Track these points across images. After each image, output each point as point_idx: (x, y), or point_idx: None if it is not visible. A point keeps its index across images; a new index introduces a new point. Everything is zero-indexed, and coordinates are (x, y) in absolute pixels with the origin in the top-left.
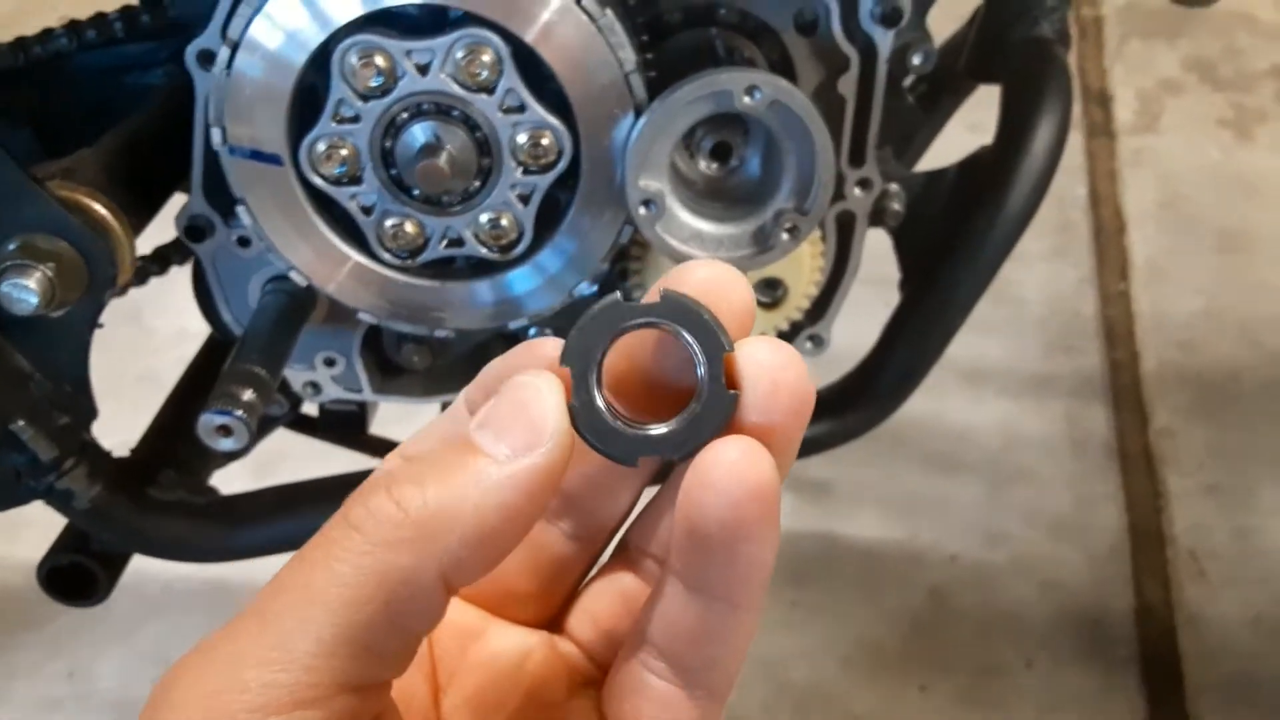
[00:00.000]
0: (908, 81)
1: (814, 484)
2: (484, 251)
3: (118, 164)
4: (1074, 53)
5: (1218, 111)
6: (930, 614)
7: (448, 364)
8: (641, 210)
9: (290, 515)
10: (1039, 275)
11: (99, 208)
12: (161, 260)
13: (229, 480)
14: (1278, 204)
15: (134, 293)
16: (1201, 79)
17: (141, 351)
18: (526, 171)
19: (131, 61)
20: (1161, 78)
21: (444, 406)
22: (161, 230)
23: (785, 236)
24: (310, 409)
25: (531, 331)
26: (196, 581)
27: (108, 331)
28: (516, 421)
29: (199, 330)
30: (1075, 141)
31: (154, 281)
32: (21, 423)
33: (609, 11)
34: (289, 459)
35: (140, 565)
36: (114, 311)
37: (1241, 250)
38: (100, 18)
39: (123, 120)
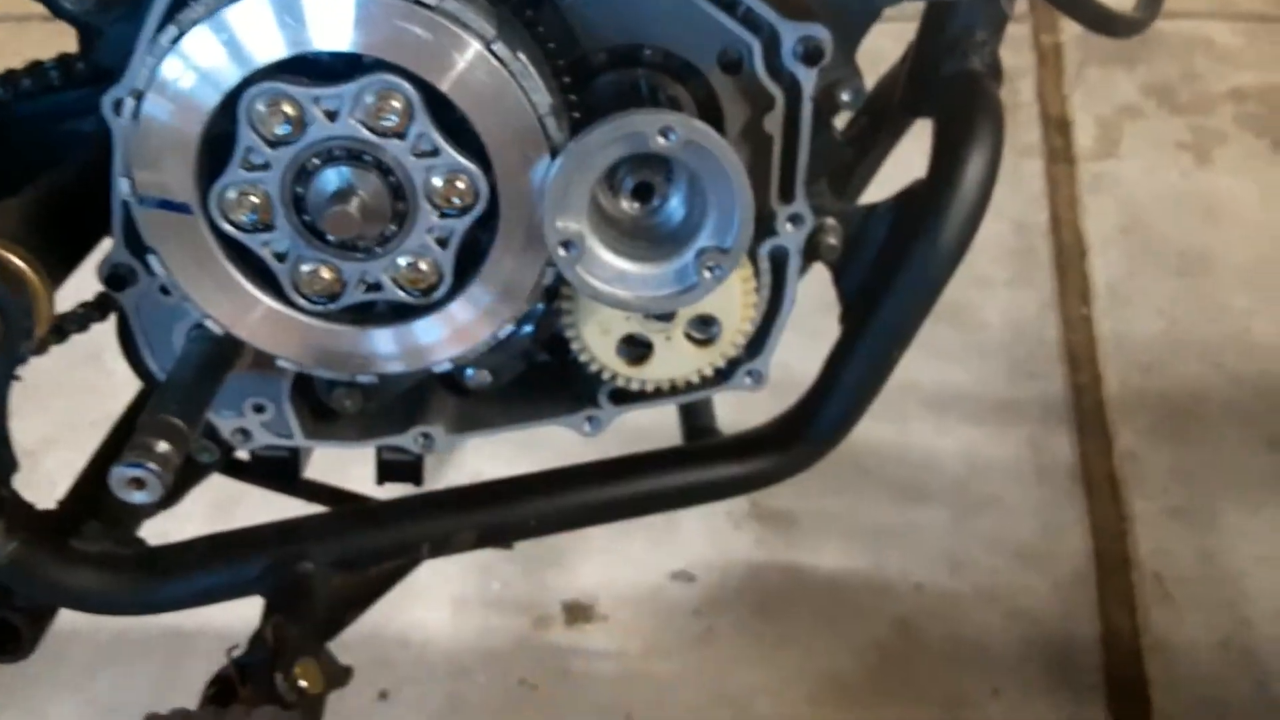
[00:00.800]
0: (840, 118)
1: (778, 515)
2: (403, 295)
3: (40, 215)
4: (1033, 79)
5: (1177, 135)
6: (897, 645)
7: (381, 406)
8: (561, 251)
9: (220, 565)
10: (1001, 301)
11: (15, 260)
12: (102, 309)
13: (184, 525)
14: (1237, 226)
15: (93, 335)
16: (1160, 103)
17: (100, 394)
18: (443, 215)
19: (67, 109)
20: (1121, 103)
21: (379, 451)
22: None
23: (708, 275)
24: (243, 454)
25: (468, 373)
26: (153, 629)
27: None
28: None
29: None
30: (1035, 168)
31: (112, 324)
32: None
33: (521, 55)
34: (245, 503)
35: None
36: (73, 353)
37: (1202, 273)
38: (36, 65)
39: (49, 170)
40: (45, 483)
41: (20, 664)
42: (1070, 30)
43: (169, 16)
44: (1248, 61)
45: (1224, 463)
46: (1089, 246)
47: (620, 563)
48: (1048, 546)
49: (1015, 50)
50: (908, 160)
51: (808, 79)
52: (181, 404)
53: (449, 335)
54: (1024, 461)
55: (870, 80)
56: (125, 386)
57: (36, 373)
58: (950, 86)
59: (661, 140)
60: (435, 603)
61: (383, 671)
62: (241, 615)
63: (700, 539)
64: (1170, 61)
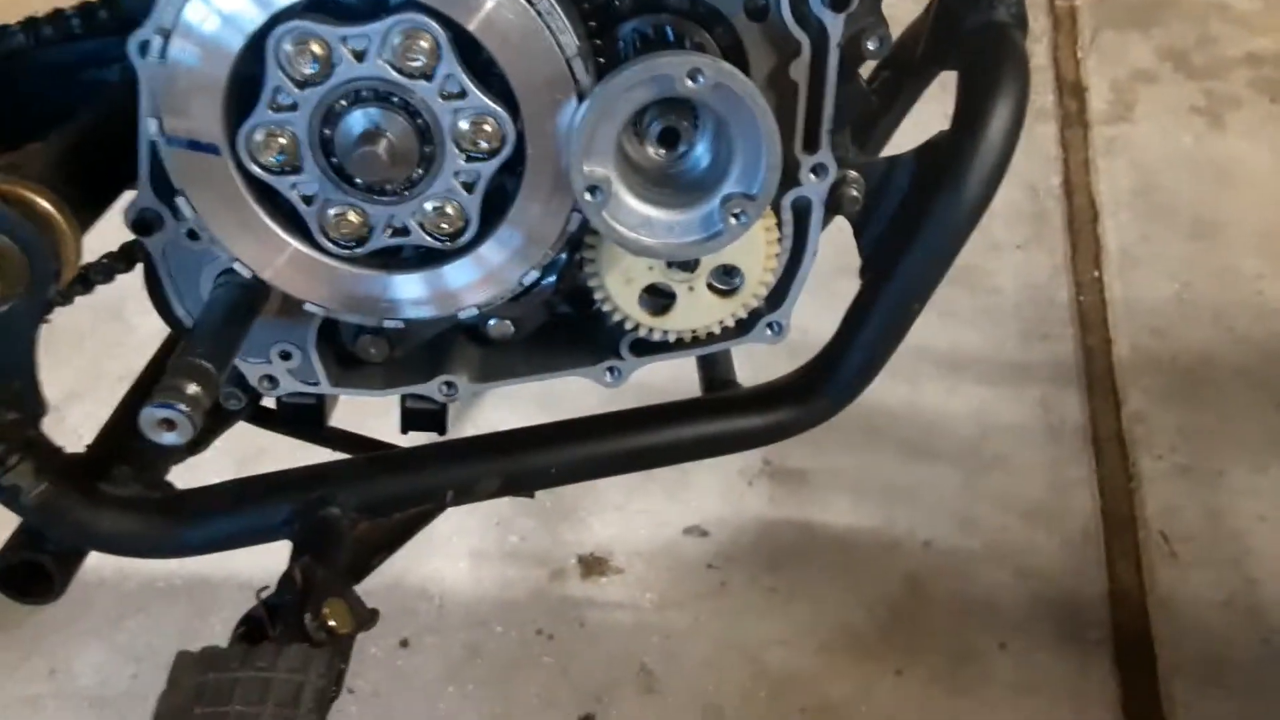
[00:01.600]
0: (865, 67)
1: (791, 472)
2: (430, 240)
3: (66, 159)
4: (1048, 44)
5: (1191, 100)
6: (906, 600)
7: (406, 355)
8: (587, 196)
9: (248, 509)
10: (1014, 263)
11: (43, 202)
12: (128, 259)
13: (210, 477)
14: (1249, 190)
15: (115, 289)
16: (1175, 68)
17: (124, 349)
18: (470, 158)
19: (90, 58)
20: (1135, 67)
21: (403, 400)
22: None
23: (733, 221)
24: (269, 402)
25: (490, 323)
26: (178, 577)
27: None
28: None
29: None
30: (1050, 131)
31: (135, 278)
32: None
33: None
34: (270, 454)
35: (120, 562)
36: (95, 308)
37: (1213, 236)
38: (58, 13)
39: (74, 115)
40: (71, 435)
41: (47, 611)
42: None
43: None
44: (1264, 26)
45: (1232, 424)
46: (1101, 210)
47: (635, 518)
48: (1056, 505)
49: (1030, 14)
50: (926, 121)
51: (834, 25)
52: (210, 348)
53: (474, 280)
54: (1034, 422)
55: (894, 32)
56: (148, 341)
57: (60, 328)
58: (975, 38)
59: (689, 83)
60: (455, 555)
61: (404, 621)
62: (264, 565)
63: (714, 495)
64: (1186, 26)
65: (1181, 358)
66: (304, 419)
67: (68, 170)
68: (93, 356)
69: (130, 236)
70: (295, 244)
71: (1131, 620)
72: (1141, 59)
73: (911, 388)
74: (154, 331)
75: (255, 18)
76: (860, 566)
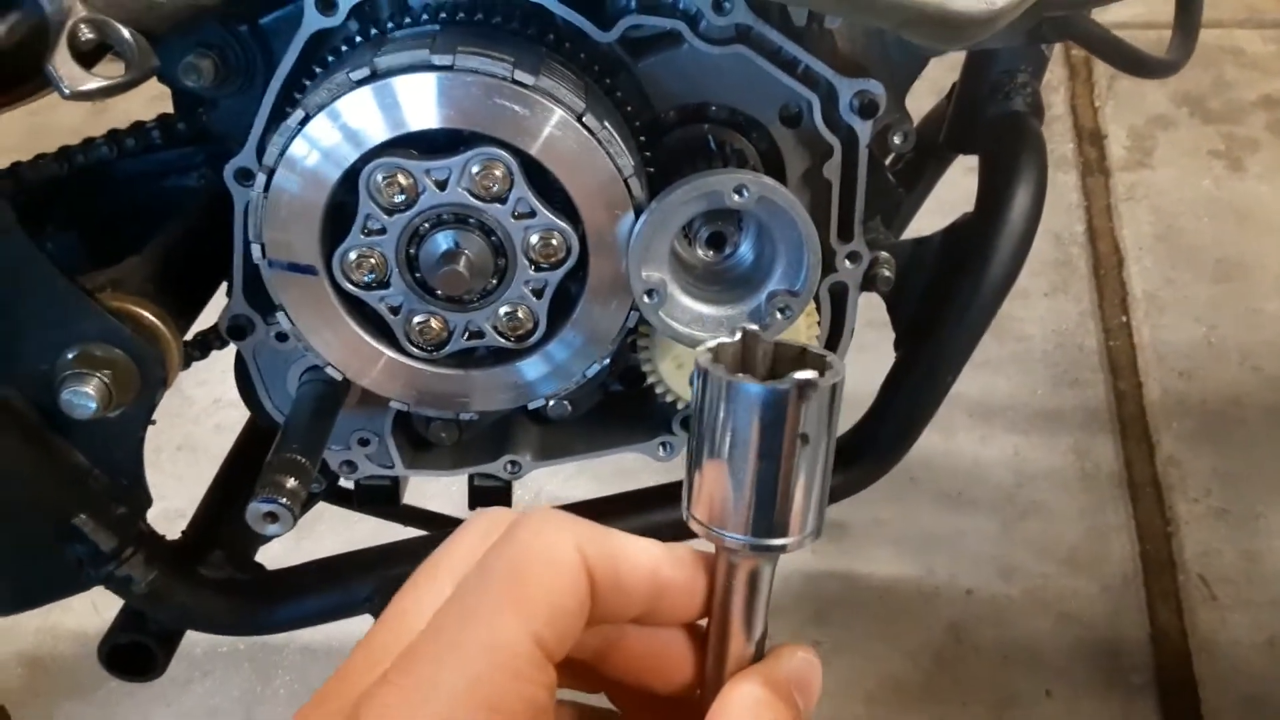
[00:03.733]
0: (890, 158)
1: (832, 525)
2: (502, 341)
3: (163, 271)
4: (1065, 93)
5: (1209, 143)
6: (949, 648)
7: (473, 437)
8: (645, 299)
9: (330, 588)
10: (1041, 311)
11: (148, 315)
12: (203, 346)
13: (270, 545)
14: (1271, 232)
15: None
16: (1192, 113)
17: (182, 419)
18: (538, 269)
19: (169, 167)
20: (1152, 113)
21: (471, 478)
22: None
23: (779, 316)
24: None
25: (550, 404)
26: (241, 642)
27: None
28: (813, 701)
29: (234, 398)
30: (1071, 180)
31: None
32: (83, 516)
33: (607, 123)
34: (324, 519)
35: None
36: None
37: (1237, 278)
38: (139, 126)
39: (163, 225)
40: None
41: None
42: None
43: (285, 97)
44: (1278, 69)
45: (1265, 465)
46: (1126, 255)
47: None
48: (1095, 551)
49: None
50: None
51: (863, 129)
52: (303, 442)
53: (543, 375)
54: (1069, 468)
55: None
56: (204, 413)
57: None
58: (995, 126)
59: (736, 197)
60: None
61: None
62: (323, 629)
63: None
64: (1201, 71)
65: (1211, 400)
66: (378, 498)
67: (164, 281)
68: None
69: (203, 326)
70: (383, 349)
71: (1174, 663)
72: (1158, 105)
73: (946, 437)
74: (209, 403)
75: (350, 155)
76: (903, 617)
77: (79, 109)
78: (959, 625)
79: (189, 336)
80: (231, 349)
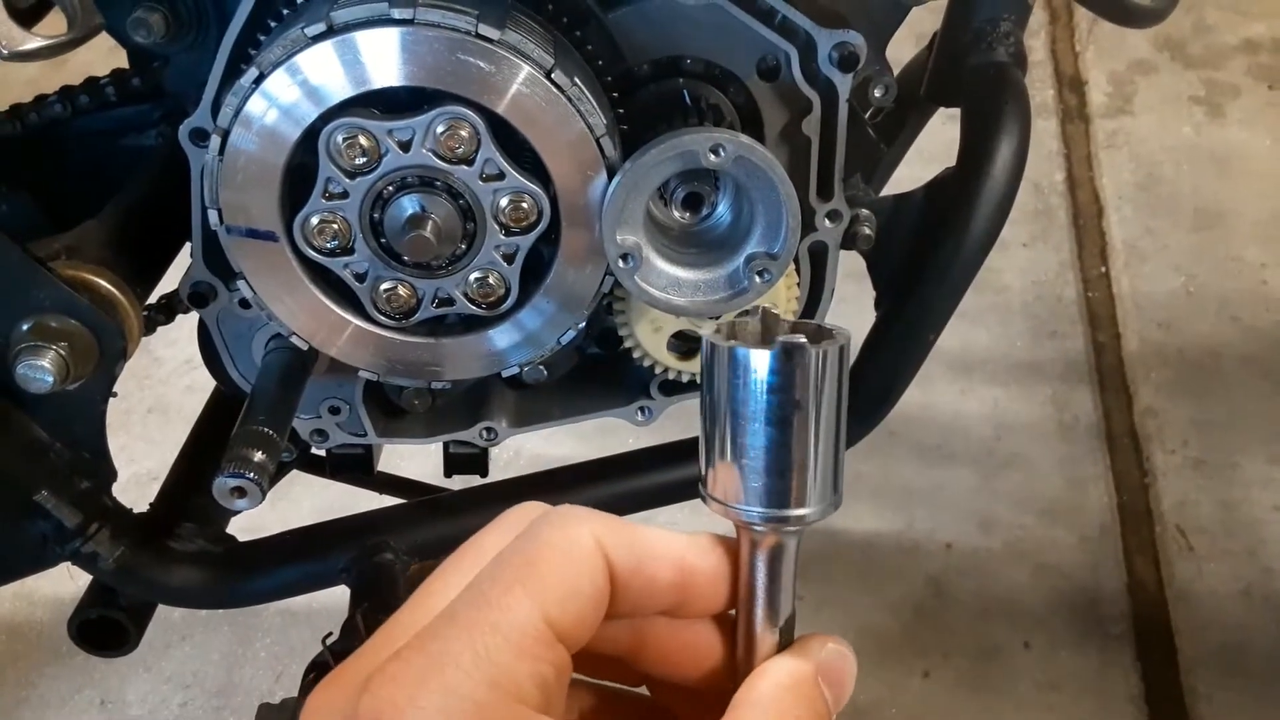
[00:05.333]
0: (870, 113)
1: None
2: (473, 308)
3: (120, 236)
4: (1046, 37)
5: (1190, 89)
6: (930, 602)
7: (447, 404)
8: (620, 263)
9: (308, 559)
10: (1021, 262)
11: (105, 284)
12: (167, 310)
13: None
14: (1251, 180)
15: None
16: (1173, 57)
17: (152, 381)
18: (509, 233)
19: (125, 124)
20: (1133, 59)
21: (446, 446)
22: (167, 277)
23: (758, 280)
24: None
25: (525, 369)
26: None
27: None
28: (846, 694)
29: None
30: (1050, 127)
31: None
32: (45, 492)
33: (577, 80)
34: (299, 482)
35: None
36: None
37: (1216, 227)
38: (92, 82)
39: (121, 186)
40: None
41: None
42: None
43: (239, 54)
44: (1259, 12)
45: (1243, 416)
46: (1105, 204)
47: None
48: (1073, 502)
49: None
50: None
51: (843, 83)
52: (270, 414)
53: (517, 342)
54: (1047, 420)
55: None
56: (174, 374)
57: None
58: (977, 77)
59: (713, 157)
60: None
61: None
62: (302, 598)
63: None
64: (1181, 14)
65: (1190, 350)
66: (352, 467)
67: (122, 246)
68: (123, 390)
69: (167, 289)
70: (349, 318)
71: (1151, 613)
72: (1139, 50)
73: (925, 390)
74: (179, 364)
75: (308, 115)
76: (884, 571)
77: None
78: (939, 578)
79: (152, 300)
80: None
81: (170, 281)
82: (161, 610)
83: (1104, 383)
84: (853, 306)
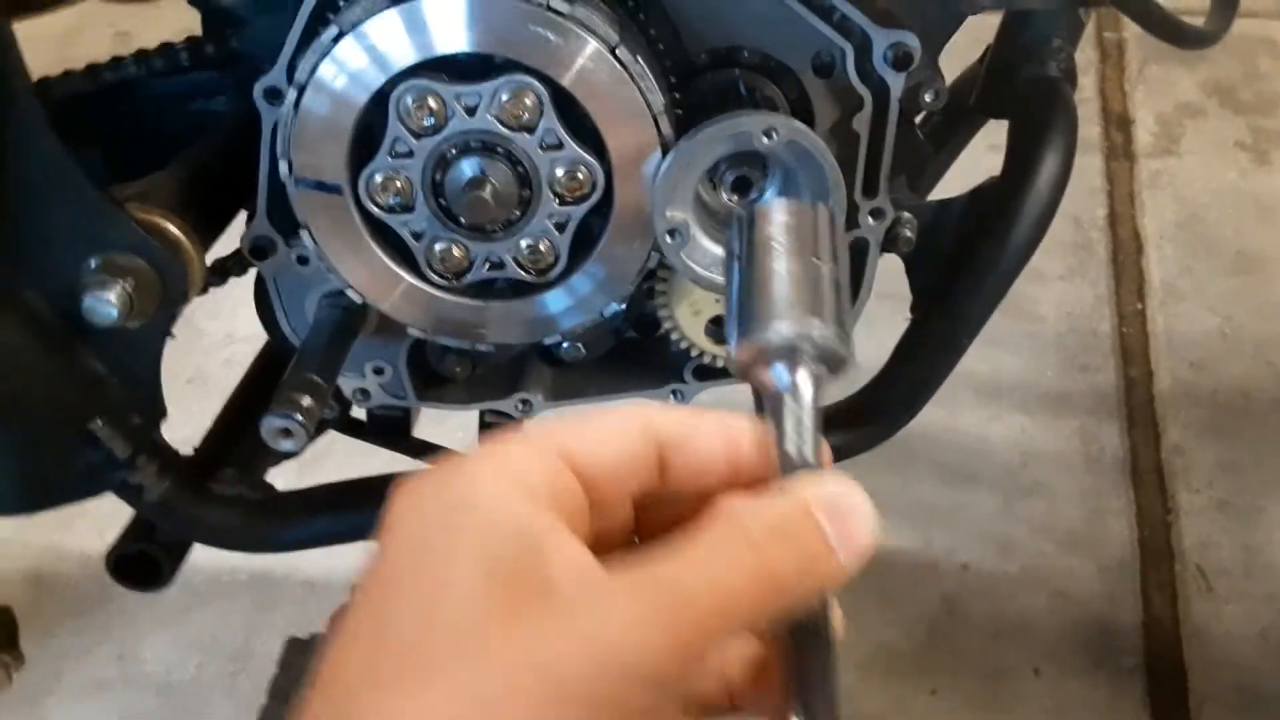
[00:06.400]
0: (920, 117)
1: None
2: (522, 274)
3: (189, 188)
4: (1095, 75)
5: (1237, 135)
6: (943, 621)
7: (486, 373)
8: (668, 239)
9: (338, 512)
10: (1057, 293)
11: (173, 229)
12: (221, 272)
13: (277, 475)
14: None
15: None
16: (1222, 103)
17: (193, 353)
18: (563, 202)
19: (195, 89)
20: (1181, 101)
21: (481, 415)
22: (219, 243)
23: None
24: (359, 413)
25: (564, 346)
26: (242, 572)
27: None
28: (856, 537)
29: (246, 334)
30: (1095, 164)
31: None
32: (99, 422)
33: (640, 59)
34: (332, 455)
35: (189, 556)
36: None
37: (1257, 271)
38: (167, 47)
39: (190, 145)
40: None
41: (116, 600)
42: (1133, 28)
43: (318, 16)
44: None
45: (1270, 459)
46: (1146, 242)
47: None
48: (1093, 533)
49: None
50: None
51: (896, 82)
52: (319, 364)
53: (561, 310)
54: (1073, 451)
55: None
56: (216, 346)
57: None
58: (1027, 90)
59: (765, 140)
60: None
61: None
62: (323, 564)
63: None
64: (1233, 61)
65: (1222, 392)
66: (390, 430)
67: (190, 197)
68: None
69: (222, 253)
70: (404, 275)
71: (1165, 650)
72: (1188, 93)
73: (950, 412)
74: (221, 337)
75: (381, 76)
76: (899, 588)
77: (106, 39)
78: (953, 598)
79: (208, 262)
80: (246, 284)
81: (221, 248)
82: (183, 576)
83: (1133, 418)
84: (881, 327)
